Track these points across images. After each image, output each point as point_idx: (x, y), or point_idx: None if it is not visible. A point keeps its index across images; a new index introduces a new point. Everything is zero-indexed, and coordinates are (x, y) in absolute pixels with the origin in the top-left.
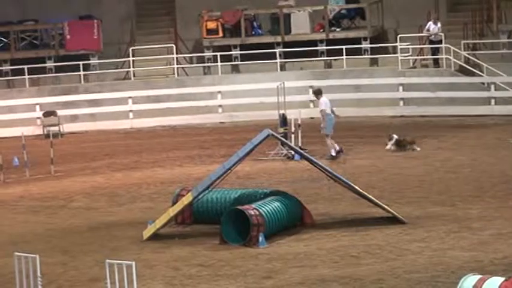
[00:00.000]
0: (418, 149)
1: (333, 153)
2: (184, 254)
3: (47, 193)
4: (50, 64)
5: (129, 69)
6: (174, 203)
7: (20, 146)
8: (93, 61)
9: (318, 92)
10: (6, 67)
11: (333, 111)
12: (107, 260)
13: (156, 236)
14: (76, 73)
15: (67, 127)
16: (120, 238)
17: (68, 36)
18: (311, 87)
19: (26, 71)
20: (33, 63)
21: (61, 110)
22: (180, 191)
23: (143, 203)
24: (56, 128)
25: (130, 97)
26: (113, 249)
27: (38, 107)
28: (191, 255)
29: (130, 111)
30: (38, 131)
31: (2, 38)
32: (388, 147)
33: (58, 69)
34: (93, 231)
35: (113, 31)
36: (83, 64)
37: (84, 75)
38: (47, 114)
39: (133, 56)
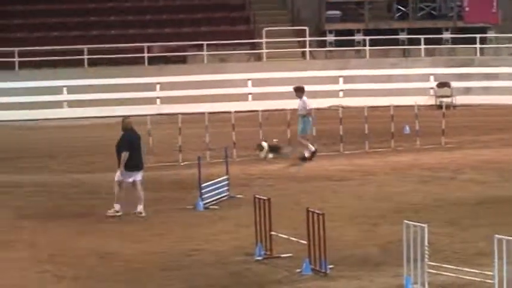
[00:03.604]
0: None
1: (307, 154)
2: None
3: (437, 164)
4: (446, 35)
5: None
6: None
7: (412, 115)
8: (490, 34)
9: (301, 90)
10: (403, 36)
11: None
12: (496, 236)
13: None
14: (472, 46)
15: (460, 99)
16: (509, 214)
17: (467, 8)
18: None
19: (422, 41)
20: (430, 33)
21: (455, 82)
22: None
23: None
24: (448, 100)
25: None
26: (502, 225)
27: (432, 77)
28: None
29: None
30: (431, 101)
31: (401, 7)
32: (262, 155)
33: (454, 41)
34: (481, 205)
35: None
36: (480, 37)
37: (480, 48)
38: (441, 85)
39: None
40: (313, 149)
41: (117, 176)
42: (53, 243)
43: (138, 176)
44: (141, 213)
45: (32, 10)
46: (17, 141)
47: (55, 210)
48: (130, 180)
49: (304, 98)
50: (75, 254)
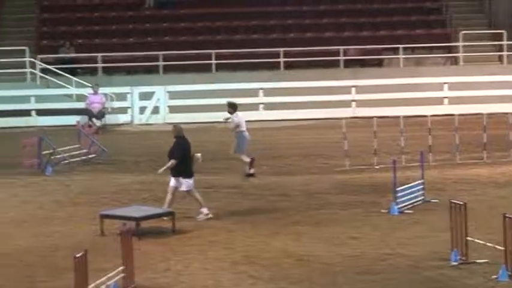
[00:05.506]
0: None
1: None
2: None
3: None
4: None
5: None
6: None
7: None
8: None
9: (233, 107)
10: None
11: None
12: None
13: None
14: None
15: None
16: None
17: None
18: None
19: None
20: None
21: None
22: None
23: None
24: None
25: None
26: None
27: None
28: None
29: None
30: None
31: None
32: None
33: None
34: None
35: None
36: None
37: None
38: None
39: None
40: (248, 159)
41: (189, 184)
42: (248, 244)
43: (191, 183)
44: (208, 214)
45: (229, 12)
46: (213, 143)
47: (250, 212)
48: (184, 188)
49: (237, 113)
50: (270, 256)
